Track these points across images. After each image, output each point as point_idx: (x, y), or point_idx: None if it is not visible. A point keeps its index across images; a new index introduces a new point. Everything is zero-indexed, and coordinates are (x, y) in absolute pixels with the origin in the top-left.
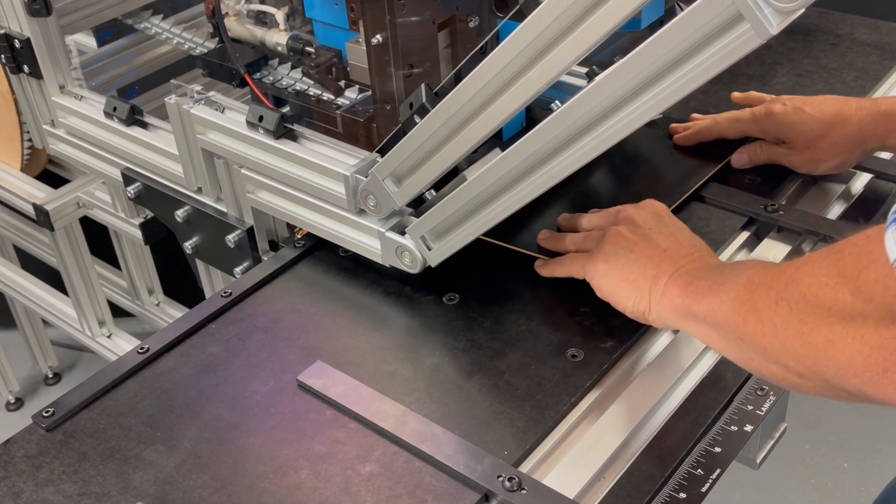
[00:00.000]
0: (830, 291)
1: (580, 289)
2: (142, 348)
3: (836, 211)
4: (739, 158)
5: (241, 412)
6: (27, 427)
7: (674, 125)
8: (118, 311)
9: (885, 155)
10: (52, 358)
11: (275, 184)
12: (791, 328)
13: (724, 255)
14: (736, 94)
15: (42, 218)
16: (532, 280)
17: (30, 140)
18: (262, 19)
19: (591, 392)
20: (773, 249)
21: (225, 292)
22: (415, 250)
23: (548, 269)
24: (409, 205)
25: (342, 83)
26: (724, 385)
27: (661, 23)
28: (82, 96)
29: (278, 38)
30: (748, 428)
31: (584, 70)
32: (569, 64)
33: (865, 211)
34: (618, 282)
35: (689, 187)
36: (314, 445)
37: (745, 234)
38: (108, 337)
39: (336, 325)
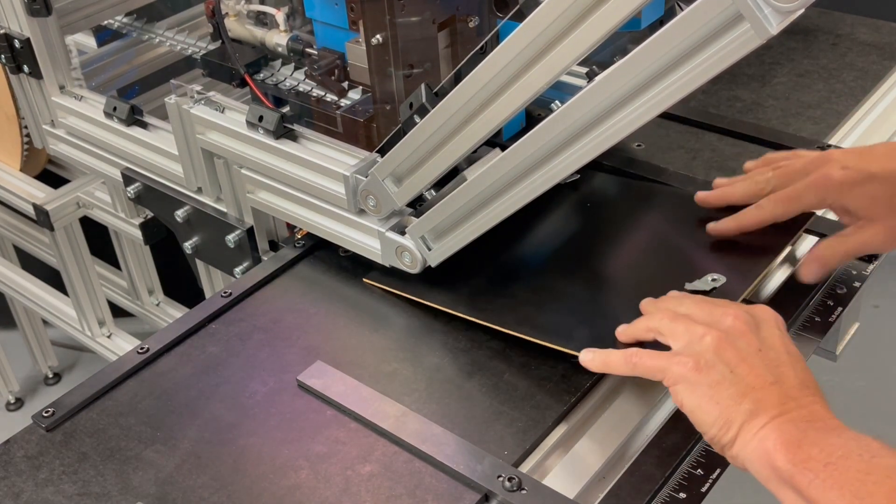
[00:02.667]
0: None
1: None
2: (142, 348)
3: None
4: (809, 272)
5: (241, 412)
6: (27, 427)
7: (701, 195)
8: (118, 311)
9: None
10: (52, 358)
11: (275, 184)
12: None
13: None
14: (749, 164)
15: (42, 218)
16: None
17: (29, 140)
18: (262, 20)
19: (591, 392)
20: None
21: (225, 292)
22: (415, 250)
23: (601, 363)
24: (409, 205)
25: (345, 84)
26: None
27: (661, 23)
28: (82, 96)
29: (278, 38)
30: None
31: (584, 70)
32: (569, 64)
33: None
34: (705, 401)
35: (752, 277)
36: (314, 445)
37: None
38: (108, 337)
39: (336, 325)
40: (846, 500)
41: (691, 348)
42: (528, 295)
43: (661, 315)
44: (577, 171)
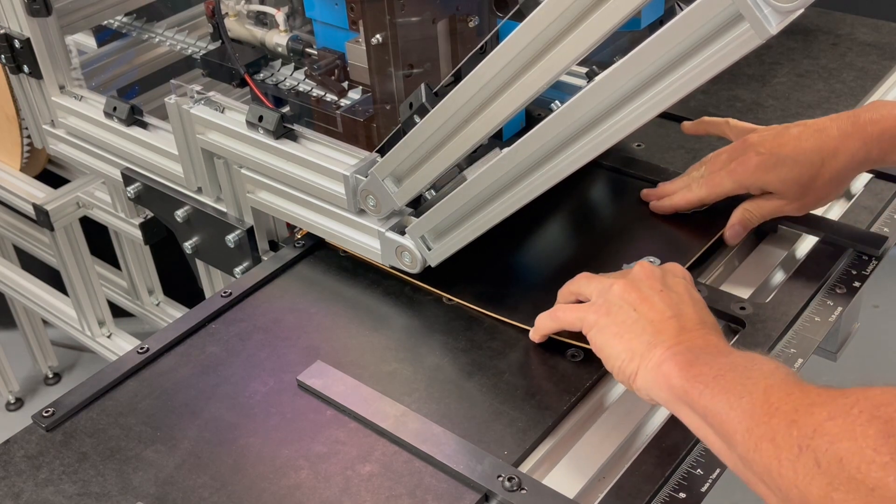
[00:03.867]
0: (878, 471)
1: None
2: (142, 348)
3: (836, 212)
4: (733, 233)
5: (241, 412)
6: (27, 427)
7: (645, 191)
8: (118, 311)
9: None
10: (52, 358)
11: (275, 184)
12: (817, 487)
13: (725, 258)
14: (687, 125)
15: (42, 218)
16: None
17: (29, 140)
18: (261, 20)
19: (591, 392)
20: (771, 255)
21: (225, 292)
22: (415, 250)
23: (539, 326)
24: (408, 205)
25: (345, 84)
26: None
27: (661, 23)
28: (82, 96)
29: (278, 38)
30: None
31: (584, 70)
32: (569, 64)
33: (866, 211)
34: (611, 338)
35: (686, 260)
36: (314, 445)
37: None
38: (108, 337)
39: (336, 325)
40: (730, 403)
41: (603, 297)
42: (491, 273)
43: (580, 278)
44: None
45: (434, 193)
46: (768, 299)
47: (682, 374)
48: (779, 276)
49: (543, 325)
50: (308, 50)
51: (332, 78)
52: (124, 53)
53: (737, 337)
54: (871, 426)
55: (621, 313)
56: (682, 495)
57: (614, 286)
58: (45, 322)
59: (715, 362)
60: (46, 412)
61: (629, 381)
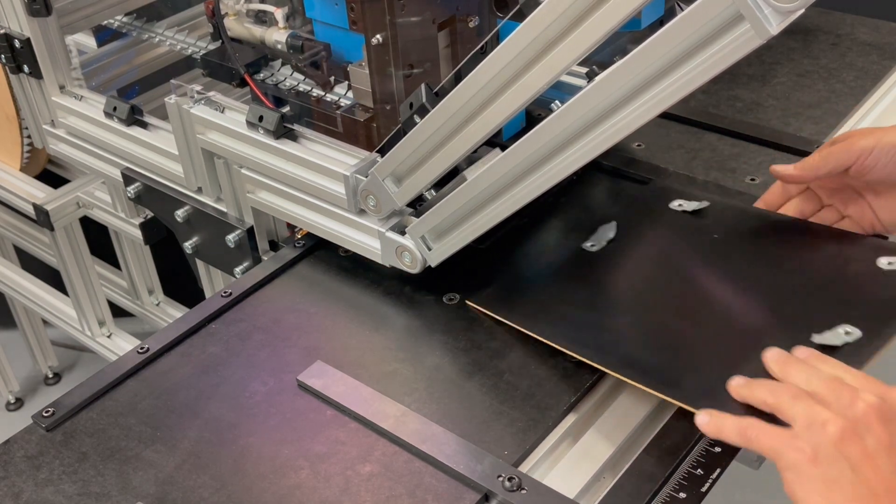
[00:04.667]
0: None
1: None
2: (142, 348)
3: None
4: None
5: (241, 412)
6: (27, 427)
7: (775, 167)
8: (118, 311)
9: None
10: (52, 358)
11: (275, 184)
12: None
13: None
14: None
15: (42, 218)
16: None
17: (30, 140)
18: (261, 18)
19: (591, 392)
20: None
21: (225, 292)
22: (415, 250)
23: (717, 429)
24: (409, 205)
25: (332, 79)
26: None
27: (661, 23)
28: (82, 96)
29: (278, 35)
30: None
31: (584, 70)
32: (569, 64)
33: None
34: (816, 497)
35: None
36: (314, 445)
37: None
38: (108, 337)
39: (336, 325)
40: None
41: (811, 435)
42: (633, 332)
43: (782, 390)
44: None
45: (434, 193)
46: None
47: None
48: None
49: (727, 433)
50: (307, 45)
51: (318, 70)
52: (124, 53)
53: None
54: None
55: (834, 468)
56: (682, 495)
57: (829, 427)
58: (45, 322)
59: None
60: (46, 412)
61: None
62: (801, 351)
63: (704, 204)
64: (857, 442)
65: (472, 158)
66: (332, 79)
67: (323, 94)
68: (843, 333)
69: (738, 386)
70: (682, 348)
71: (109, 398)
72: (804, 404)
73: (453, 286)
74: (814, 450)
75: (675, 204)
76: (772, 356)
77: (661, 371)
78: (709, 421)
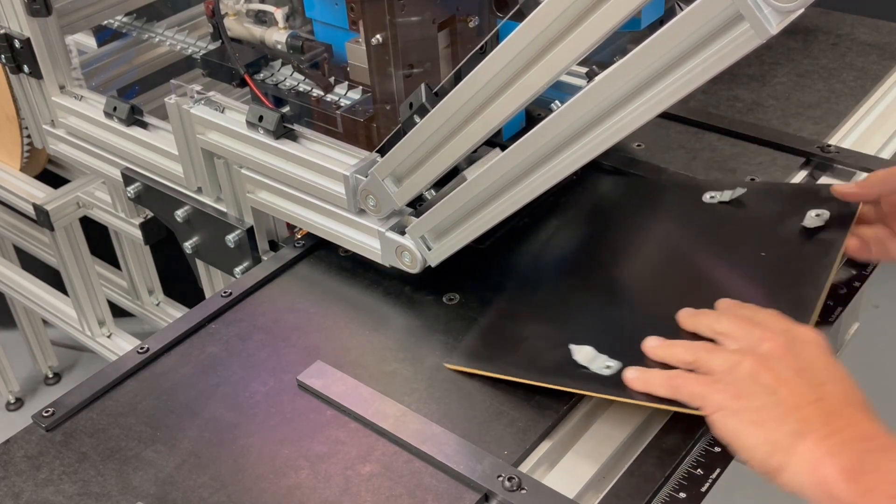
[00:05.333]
0: None
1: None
2: (142, 348)
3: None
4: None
5: (241, 412)
6: (27, 427)
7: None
8: (118, 311)
9: None
10: (52, 358)
11: (275, 184)
12: None
13: None
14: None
15: (42, 218)
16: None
17: (29, 140)
18: (261, 18)
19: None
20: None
21: (225, 292)
22: (415, 250)
23: (643, 382)
24: (408, 205)
25: (332, 80)
26: None
27: (661, 23)
28: (82, 96)
29: (278, 35)
30: None
31: (584, 70)
32: (569, 64)
33: None
34: (747, 425)
35: (816, 293)
36: (314, 445)
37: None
38: (108, 337)
39: (336, 325)
40: None
41: (730, 376)
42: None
43: (698, 347)
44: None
45: (434, 193)
46: None
47: (849, 486)
48: None
49: (654, 386)
50: (307, 45)
51: (319, 71)
52: (124, 53)
53: None
54: None
55: (756, 398)
56: (682, 495)
57: (743, 364)
58: (45, 322)
59: (885, 470)
60: (46, 412)
61: (772, 475)
62: (723, 302)
63: (740, 191)
64: (770, 371)
65: (472, 158)
66: (332, 79)
67: (323, 94)
68: (815, 216)
69: (655, 347)
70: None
71: (109, 398)
72: (720, 354)
73: (453, 286)
74: (735, 387)
75: (707, 196)
76: (683, 314)
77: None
78: (637, 376)
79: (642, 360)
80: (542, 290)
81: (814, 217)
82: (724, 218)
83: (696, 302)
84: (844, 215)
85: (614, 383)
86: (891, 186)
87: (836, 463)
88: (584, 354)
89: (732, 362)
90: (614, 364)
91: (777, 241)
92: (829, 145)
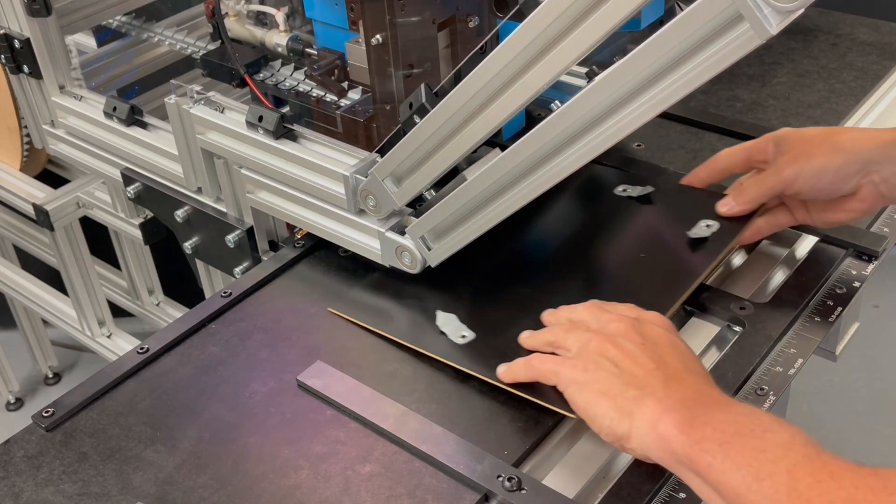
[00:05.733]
0: None
1: (579, 290)
2: (142, 348)
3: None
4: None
5: (241, 412)
6: (27, 427)
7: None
8: (118, 311)
9: None
10: (52, 358)
11: (275, 184)
12: None
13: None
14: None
15: (42, 218)
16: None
17: (29, 140)
18: (261, 19)
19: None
20: (771, 255)
21: (225, 292)
22: (415, 250)
23: (510, 373)
24: (408, 205)
25: (345, 84)
26: (724, 384)
27: (661, 23)
28: (82, 96)
29: (278, 39)
30: None
31: (584, 70)
32: (569, 64)
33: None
34: (595, 396)
35: (683, 289)
36: (314, 445)
37: None
38: (108, 337)
39: (336, 325)
40: (747, 482)
41: (580, 353)
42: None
43: (557, 328)
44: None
45: (434, 193)
46: (768, 299)
47: (684, 437)
48: (779, 276)
49: (518, 373)
50: (308, 50)
51: (332, 78)
52: (124, 53)
53: (737, 337)
54: None
55: (601, 370)
56: (682, 495)
57: (591, 342)
58: (45, 322)
59: (717, 420)
60: (46, 412)
61: (621, 442)
62: (588, 303)
63: (649, 189)
64: (616, 347)
65: (472, 158)
66: (345, 84)
67: (322, 94)
68: (705, 227)
69: (526, 337)
70: (501, 333)
71: (109, 398)
72: (573, 334)
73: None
74: (583, 362)
75: (620, 188)
76: (546, 312)
77: (483, 355)
78: (504, 370)
79: (497, 331)
80: (444, 264)
81: (703, 227)
82: (625, 213)
83: (567, 290)
84: (735, 227)
85: (465, 352)
86: (768, 198)
87: (671, 419)
88: (443, 319)
89: (584, 341)
90: (469, 334)
91: (660, 244)
92: None
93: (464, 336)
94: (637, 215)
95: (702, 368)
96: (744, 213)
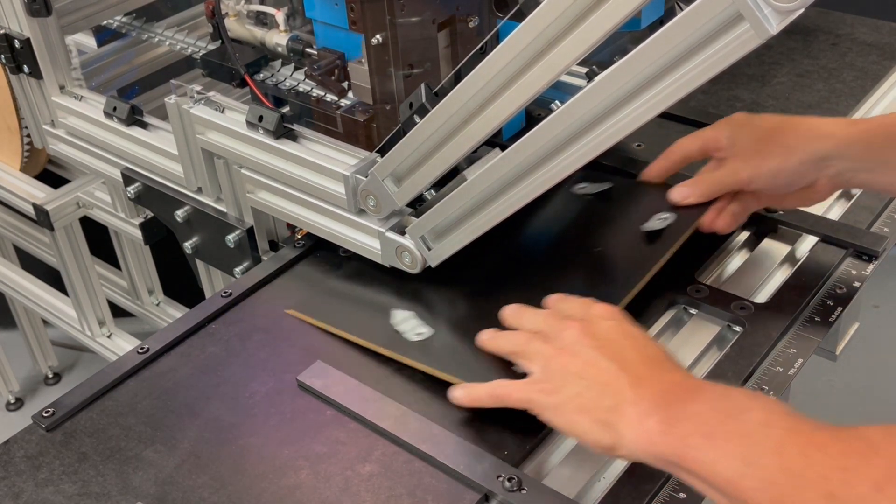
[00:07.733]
0: None
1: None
2: (142, 348)
3: (836, 212)
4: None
5: (241, 412)
6: (27, 427)
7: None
8: (118, 311)
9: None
10: (52, 358)
11: (275, 184)
12: None
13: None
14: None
15: (42, 218)
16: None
17: (29, 140)
18: (262, 19)
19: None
20: (771, 255)
21: (225, 292)
22: (415, 250)
23: (469, 398)
24: (408, 205)
25: (345, 84)
26: (724, 384)
27: (661, 23)
28: (82, 96)
29: (278, 39)
30: None
31: (584, 70)
32: (569, 64)
33: (866, 211)
34: (573, 416)
35: (639, 277)
36: (314, 445)
37: (745, 234)
38: (108, 337)
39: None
40: (738, 471)
41: (545, 373)
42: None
43: (516, 338)
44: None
45: (434, 193)
46: (768, 299)
47: (668, 439)
48: (779, 276)
49: (481, 399)
50: (308, 50)
51: (332, 78)
52: (124, 53)
53: (737, 337)
54: None
55: (570, 386)
56: (682, 495)
57: (553, 360)
58: (45, 322)
59: (694, 413)
60: (46, 412)
61: (611, 452)
62: (551, 298)
63: (607, 185)
64: (575, 359)
65: (472, 158)
66: (346, 84)
67: (322, 94)
68: (660, 220)
69: (486, 339)
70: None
71: (109, 398)
72: (535, 345)
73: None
74: (550, 384)
75: (577, 186)
76: (508, 310)
77: (445, 354)
78: (463, 394)
79: (454, 328)
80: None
81: (656, 221)
82: (582, 209)
83: (524, 286)
84: (689, 218)
85: (420, 349)
86: (723, 192)
87: (651, 423)
88: (398, 318)
89: (544, 357)
90: (426, 331)
91: (616, 238)
92: None
93: (419, 333)
94: (594, 212)
95: (658, 350)
96: (697, 203)
